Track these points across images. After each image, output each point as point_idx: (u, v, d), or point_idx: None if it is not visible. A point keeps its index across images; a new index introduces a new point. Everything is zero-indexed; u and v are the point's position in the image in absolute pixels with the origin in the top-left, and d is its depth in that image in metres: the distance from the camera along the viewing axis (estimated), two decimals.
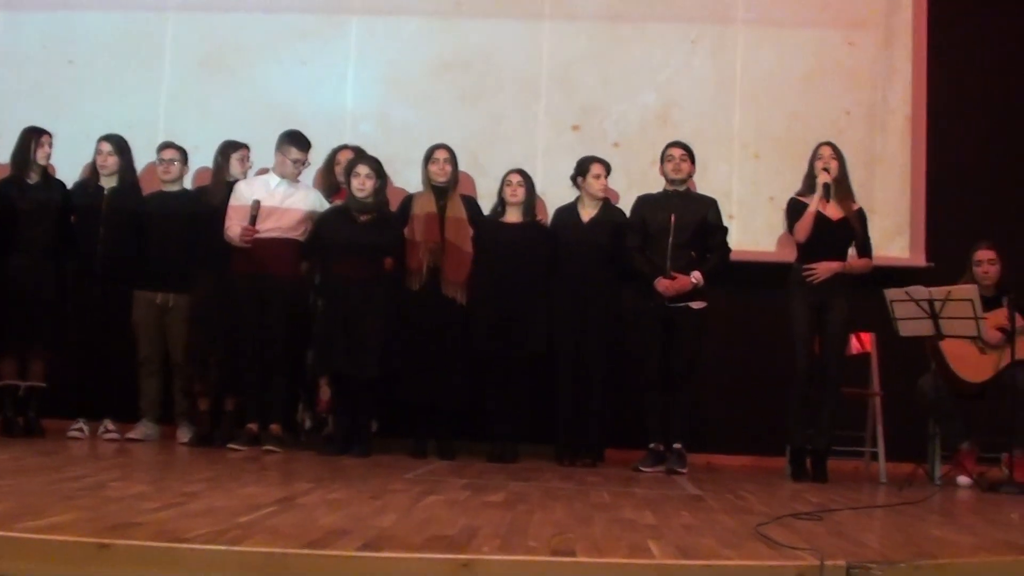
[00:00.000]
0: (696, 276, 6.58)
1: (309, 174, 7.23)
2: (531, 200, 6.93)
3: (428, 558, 3.00)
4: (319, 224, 6.78)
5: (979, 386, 6.55)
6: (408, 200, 6.94)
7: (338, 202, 6.92)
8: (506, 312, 6.70)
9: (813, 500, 5.16)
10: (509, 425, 6.77)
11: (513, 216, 6.91)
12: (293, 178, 6.87)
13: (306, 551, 3.00)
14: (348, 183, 6.73)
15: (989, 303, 6.45)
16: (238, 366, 6.76)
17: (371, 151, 6.96)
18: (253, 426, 6.71)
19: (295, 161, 6.84)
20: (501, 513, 4.04)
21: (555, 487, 5.24)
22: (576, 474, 6.09)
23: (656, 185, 6.92)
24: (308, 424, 7.07)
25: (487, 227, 6.89)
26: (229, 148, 7.08)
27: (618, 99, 7.84)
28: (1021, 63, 8.03)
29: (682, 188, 6.79)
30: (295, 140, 6.86)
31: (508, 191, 6.90)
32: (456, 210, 6.83)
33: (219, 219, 6.76)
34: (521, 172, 6.94)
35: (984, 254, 6.72)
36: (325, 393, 6.90)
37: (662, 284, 6.57)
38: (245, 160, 7.12)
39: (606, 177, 6.92)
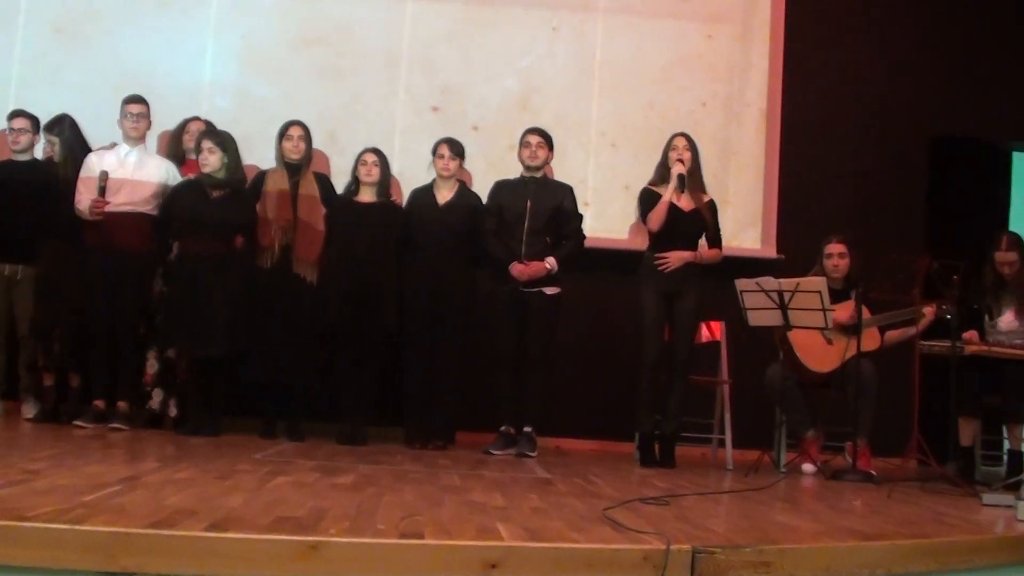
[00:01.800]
0: (550, 262, 6.65)
1: (157, 145, 7.10)
2: (385, 180, 6.89)
3: (275, 539, 2.99)
4: (170, 198, 6.67)
5: (825, 376, 6.73)
6: (261, 176, 6.84)
7: (191, 175, 6.80)
8: (357, 292, 6.66)
9: (660, 485, 5.27)
10: (359, 407, 6.75)
11: (367, 196, 6.87)
12: (138, 137, 6.70)
13: (151, 531, 2.96)
14: (197, 157, 6.64)
15: (837, 296, 6.64)
16: (84, 342, 6.61)
17: (228, 126, 6.86)
18: (99, 403, 6.57)
19: (136, 115, 6.67)
20: (350, 495, 4.04)
21: (405, 470, 5.24)
22: (426, 457, 6.10)
23: (514, 170, 6.96)
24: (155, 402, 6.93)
25: (340, 206, 6.84)
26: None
27: (479, 82, 7.86)
28: (874, 62, 8.31)
29: (539, 174, 6.84)
30: (132, 97, 6.72)
31: (362, 170, 6.85)
32: (309, 188, 6.76)
33: (71, 190, 6.61)
34: (376, 151, 6.89)
35: (834, 247, 6.89)
36: (152, 367, 6.79)
37: (516, 269, 6.63)
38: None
39: (457, 159, 6.89)
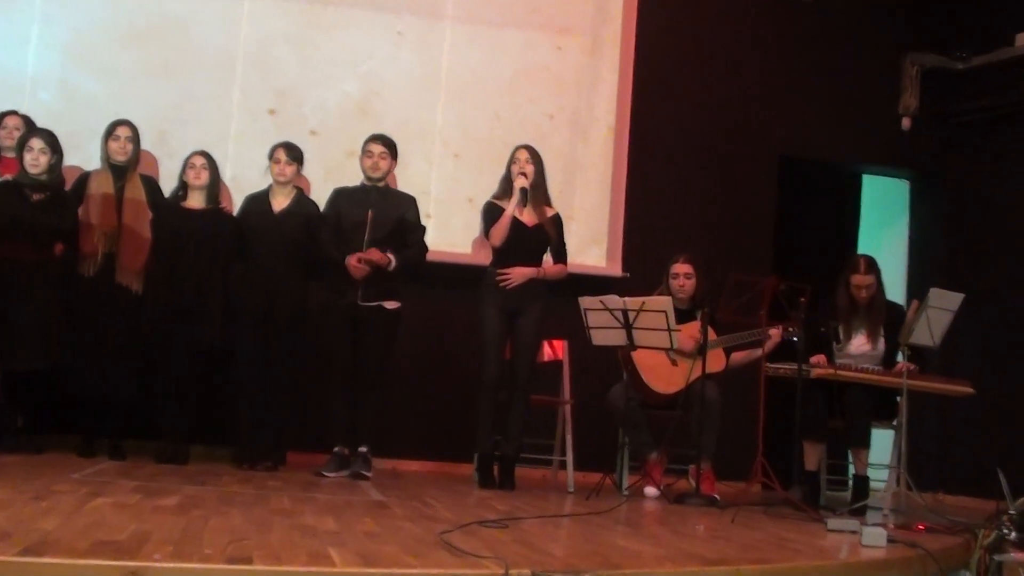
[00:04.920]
0: (391, 256, 6.61)
1: None
2: (214, 184, 6.79)
3: (94, 564, 2.92)
4: None
5: (669, 398, 6.83)
6: (84, 178, 6.68)
7: (7, 176, 6.57)
8: (181, 303, 6.56)
9: (500, 508, 5.30)
10: (183, 424, 6.63)
11: (195, 201, 6.76)
12: None
13: None
14: (19, 156, 6.44)
15: (683, 316, 6.75)
16: None
17: (50, 123, 6.69)
18: None
19: None
20: (174, 518, 3.97)
21: (232, 491, 5.18)
22: (255, 478, 6.03)
23: (354, 177, 6.93)
24: None
25: (167, 212, 6.72)
26: None
27: (318, 85, 7.80)
28: (724, 80, 8.52)
29: (380, 184, 6.82)
30: None
31: (190, 174, 6.74)
32: (135, 192, 6.64)
33: None
34: (204, 154, 6.79)
35: (681, 267, 7.00)
36: None
37: (352, 259, 6.56)
38: None
39: (294, 164, 6.82)
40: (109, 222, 6.53)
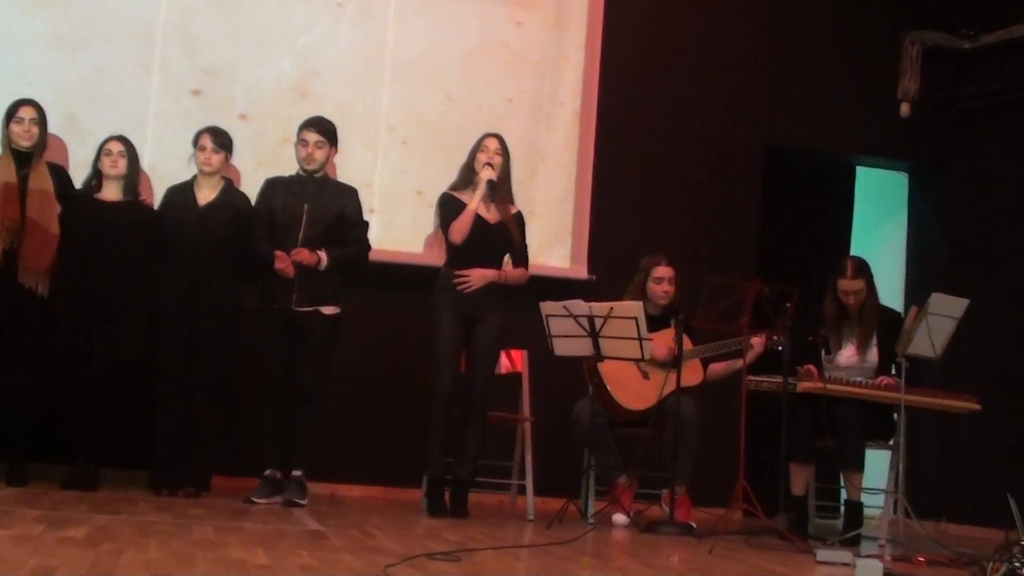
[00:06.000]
0: (321, 254, 6.59)
1: None
2: (133, 174, 6.75)
3: None
4: None
5: (640, 414, 6.84)
6: None
7: None
8: (97, 308, 6.52)
9: (451, 538, 5.31)
10: (96, 445, 6.58)
11: (111, 192, 6.72)
12: None
13: None
14: None
15: (655, 323, 6.78)
16: None
17: None
18: None
19: None
20: (83, 552, 3.96)
21: (149, 521, 5.17)
22: (176, 505, 6.01)
23: (289, 166, 6.91)
24: None
25: (78, 204, 6.68)
26: None
27: (249, 63, 7.74)
28: (703, 61, 8.54)
29: (318, 174, 6.79)
30: None
31: (106, 161, 6.69)
32: (41, 181, 6.59)
33: None
34: (122, 139, 6.75)
35: (665, 271, 6.98)
36: None
37: (280, 258, 6.53)
38: None
39: (221, 152, 6.79)
40: (10, 215, 6.47)
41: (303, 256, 6.55)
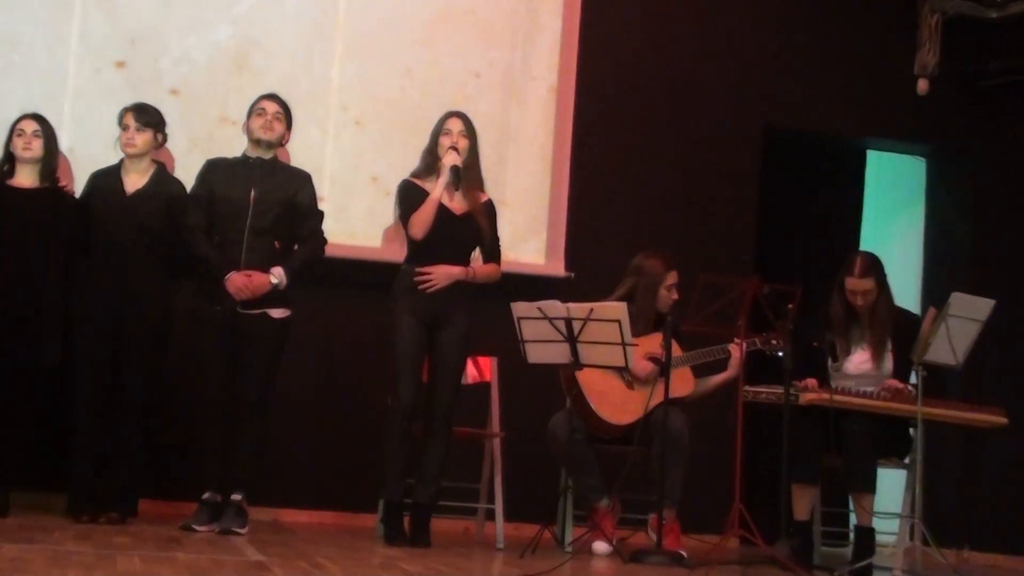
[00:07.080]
0: (278, 273, 6.57)
1: None
2: (50, 157, 6.72)
3: None
4: None
5: (624, 429, 6.85)
6: None
7: None
8: (9, 308, 6.50)
9: (411, 569, 5.30)
10: (4, 465, 6.52)
11: (25, 178, 6.69)
12: None
13: None
14: None
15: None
16: None
17: None
18: None
19: None
20: None
21: (67, 551, 5.15)
22: (97, 533, 5.99)
23: (226, 148, 6.89)
24: None
25: None
26: None
27: (180, 32, 7.71)
28: (694, 31, 8.55)
29: (268, 155, 6.75)
30: None
31: (18, 143, 6.66)
32: None
33: None
34: (38, 118, 6.73)
35: (675, 276, 6.96)
36: None
37: (234, 282, 6.51)
38: None
39: (149, 132, 6.75)
40: None
41: (260, 285, 6.52)
